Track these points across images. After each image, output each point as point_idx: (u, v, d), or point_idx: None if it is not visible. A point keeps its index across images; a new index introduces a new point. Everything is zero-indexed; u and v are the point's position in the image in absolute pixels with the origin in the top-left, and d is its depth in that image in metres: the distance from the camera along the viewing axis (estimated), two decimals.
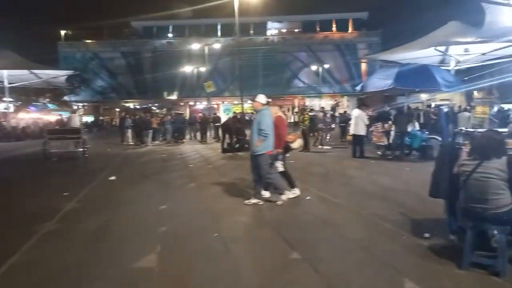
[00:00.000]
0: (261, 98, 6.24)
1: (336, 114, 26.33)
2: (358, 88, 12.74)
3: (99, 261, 4.00)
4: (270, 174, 6.06)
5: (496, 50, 13.81)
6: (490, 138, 3.43)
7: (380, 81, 11.15)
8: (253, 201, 6.06)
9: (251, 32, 42.21)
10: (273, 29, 44.10)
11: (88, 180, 8.56)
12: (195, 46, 35.62)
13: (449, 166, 3.92)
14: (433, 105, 20.50)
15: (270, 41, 43.04)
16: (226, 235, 4.72)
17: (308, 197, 6.57)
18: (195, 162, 11.84)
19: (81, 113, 28.12)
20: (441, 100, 21.51)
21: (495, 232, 3.38)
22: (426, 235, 4.36)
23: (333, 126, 16.74)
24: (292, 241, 4.43)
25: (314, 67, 40.77)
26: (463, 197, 3.54)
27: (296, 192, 6.50)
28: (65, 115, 29.94)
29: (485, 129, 3.86)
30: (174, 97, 43.81)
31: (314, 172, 9.48)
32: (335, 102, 38.71)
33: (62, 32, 45.60)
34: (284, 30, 44.11)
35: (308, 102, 38.67)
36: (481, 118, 5.87)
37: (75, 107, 38.48)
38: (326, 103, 38.21)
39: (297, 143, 6.85)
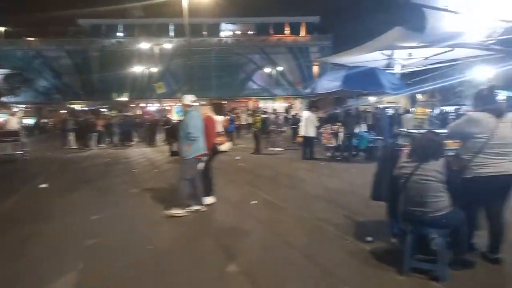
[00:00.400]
0: (188, 99, 5.78)
1: (290, 116, 26.48)
2: (309, 90, 12.78)
3: (11, 282, 3.50)
4: (185, 180, 5.55)
5: (437, 54, 14.40)
6: (428, 140, 3.36)
7: (329, 83, 11.20)
8: (195, 207, 5.71)
9: (204, 33, 41.64)
10: (227, 30, 43.76)
11: (18, 187, 7.81)
12: (145, 45, 34.48)
13: (390, 168, 3.84)
14: (381, 107, 21.14)
15: (224, 42, 42.64)
16: (161, 247, 4.34)
17: (254, 202, 6.34)
18: (141, 166, 11.24)
19: (20, 115, 26.14)
20: (388, 102, 22.29)
21: (435, 236, 3.31)
22: (369, 238, 4.26)
23: (284, 128, 16.66)
24: (232, 251, 4.16)
25: (267, 70, 40.95)
26: (403, 200, 3.44)
27: (210, 200, 6.00)
28: (3, 117, 27.76)
29: (424, 131, 3.81)
30: (124, 98, 42.11)
31: (263, 175, 9.30)
32: (289, 104, 39.08)
33: (2, 29, 42.35)
34: (237, 32, 43.91)
35: (262, 104, 38.75)
36: (421, 119, 5.97)
37: (15, 109, 35.78)
38: (279, 105, 38.51)
39: (226, 146, 6.47)
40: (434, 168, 3.24)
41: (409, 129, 4.60)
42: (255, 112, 15.12)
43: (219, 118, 14.47)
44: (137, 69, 36.94)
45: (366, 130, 11.91)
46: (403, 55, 14.91)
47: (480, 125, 3.50)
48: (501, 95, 29.75)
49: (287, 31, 43.36)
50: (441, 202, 3.26)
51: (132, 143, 19.09)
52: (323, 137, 12.61)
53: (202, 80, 39.20)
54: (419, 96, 31.81)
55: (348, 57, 16.42)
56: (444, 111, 21.13)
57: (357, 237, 4.42)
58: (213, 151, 6.12)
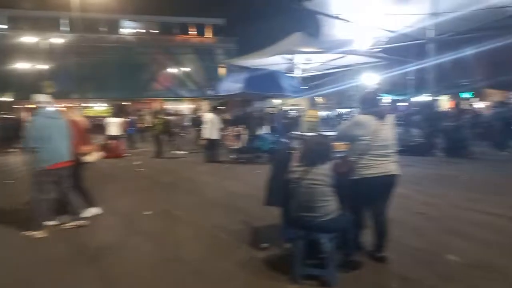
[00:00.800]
0: (37, 99, 4.92)
1: (195, 117, 25.93)
2: (212, 91, 12.54)
3: None
4: (36, 195, 4.76)
5: (332, 60, 15.35)
6: (317, 143, 3.31)
7: (231, 85, 11.10)
8: (73, 223, 5.00)
9: (102, 29, 38.85)
10: (128, 28, 41.40)
11: None
12: (33, 40, 30.82)
13: (283, 171, 3.72)
14: (286, 109, 21.88)
15: (125, 40, 40.23)
16: (22, 277, 3.63)
17: (148, 212, 5.82)
18: (18, 177, 9.76)
19: None
20: (292, 105, 23.22)
21: (324, 240, 3.25)
22: (264, 245, 4.11)
23: (187, 131, 16.03)
24: (113, 274, 3.65)
25: (173, 70, 39.84)
26: (293, 205, 3.34)
27: (92, 212, 5.29)
28: None
29: (313, 134, 3.79)
30: (8, 98, 37.14)
31: (162, 181, 8.75)
32: (196, 106, 38.46)
33: None
34: (140, 30, 41.80)
35: (169, 105, 37.60)
36: (312, 122, 6.10)
37: None
38: (187, 106, 37.75)
39: (93, 156, 5.62)
40: (322, 172, 3.19)
41: (302, 132, 4.58)
42: (155, 113, 14.30)
43: (116, 120, 13.53)
44: (24, 65, 32.84)
45: (268, 131, 12.07)
46: (303, 60, 15.61)
47: (364, 128, 3.57)
48: (386, 99, 33.23)
49: (192, 32, 42.71)
50: (330, 206, 3.22)
51: (13, 149, 16.70)
52: (227, 139, 12.49)
53: (102, 80, 36.58)
54: (318, 99, 33.87)
55: (253, 60, 16.72)
56: (339, 113, 22.69)
57: (253, 244, 4.25)
58: (78, 161, 5.26)
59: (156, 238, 4.69)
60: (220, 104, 18.56)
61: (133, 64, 38.39)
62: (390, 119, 3.71)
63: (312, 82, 24.38)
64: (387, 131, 3.62)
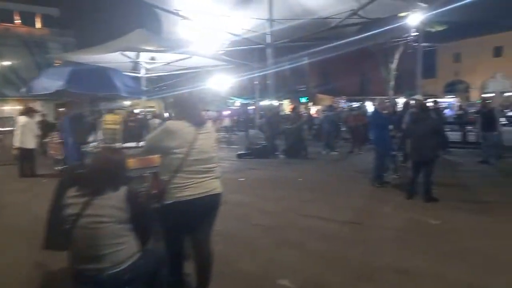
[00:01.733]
0: None
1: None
2: (24, 90, 10.18)
3: None
4: None
5: (178, 60, 14.56)
6: (103, 162, 2.37)
7: (50, 82, 9.08)
8: None
9: None
10: None
11: None
12: None
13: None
14: (137, 111, 20.06)
15: None
16: None
17: None
18: None
19: None
20: (147, 107, 21.51)
21: None
22: None
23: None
24: None
25: None
26: (71, 255, 2.32)
27: None
28: None
29: (103, 147, 2.86)
30: None
31: None
32: (27, 107, 32.59)
33: None
34: None
35: None
36: (113, 130, 5.04)
37: None
38: (12, 108, 31.85)
39: None
40: (110, 204, 2.25)
41: (97, 144, 3.59)
42: None
43: None
44: None
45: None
46: (147, 59, 14.38)
47: (177, 137, 2.81)
48: (237, 103, 34.32)
49: (17, 20, 36.22)
50: (124, 250, 2.29)
51: None
52: (51, 148, 10.43)
53: None
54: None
55: (91, 56, 14.60)
56: None
57: None
58: None
59: None
60: (59, 105, 15.78)
61: None
62: (210, 126, 3.05)
63: (161, 83, 23.12)
64: (206, 141, 2.93)
